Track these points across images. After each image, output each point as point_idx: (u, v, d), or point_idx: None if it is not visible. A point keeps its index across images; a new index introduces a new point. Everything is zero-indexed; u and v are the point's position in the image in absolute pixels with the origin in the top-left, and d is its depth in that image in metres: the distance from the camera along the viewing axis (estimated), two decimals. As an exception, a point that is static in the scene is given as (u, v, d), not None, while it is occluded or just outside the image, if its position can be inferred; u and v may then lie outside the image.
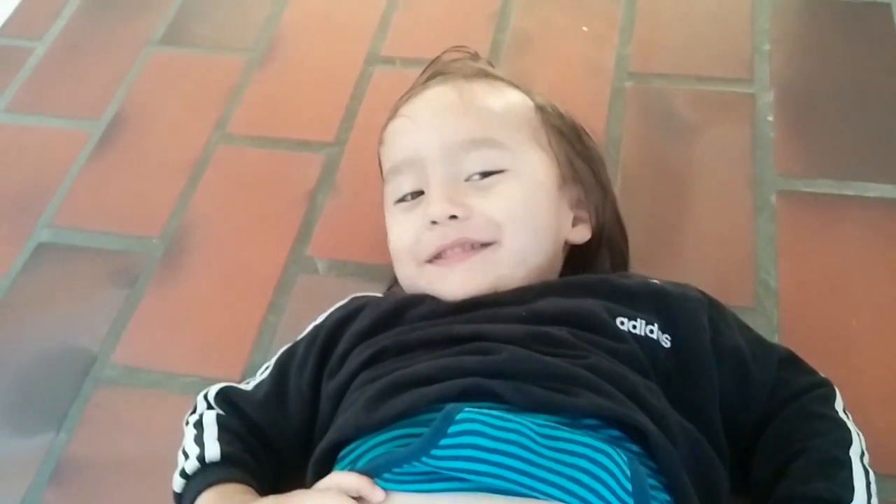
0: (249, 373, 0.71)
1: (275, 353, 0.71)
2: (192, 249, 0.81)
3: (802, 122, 0.83)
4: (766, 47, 0.89)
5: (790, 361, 0.58)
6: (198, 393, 0.70)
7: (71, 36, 1.06)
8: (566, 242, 0.64)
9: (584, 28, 0.95)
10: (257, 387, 0.62)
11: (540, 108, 0.66)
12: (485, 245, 0.58)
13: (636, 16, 0.95)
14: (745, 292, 0.71)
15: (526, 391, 0.48)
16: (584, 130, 0.69)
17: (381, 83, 0.93)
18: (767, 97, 0.85)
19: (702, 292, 0.59)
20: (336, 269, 0.78)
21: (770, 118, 0.83)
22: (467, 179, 0.60)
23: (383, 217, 0.72)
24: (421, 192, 0.61)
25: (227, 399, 0.60)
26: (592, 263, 0.66)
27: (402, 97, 0.69)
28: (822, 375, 0.57)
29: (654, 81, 0.89)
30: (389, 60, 0.96)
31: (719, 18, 0.93)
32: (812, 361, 0.65)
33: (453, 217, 0.58)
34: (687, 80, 0.88)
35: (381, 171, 0.69)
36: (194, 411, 0.60)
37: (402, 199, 0.63)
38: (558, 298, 0.56)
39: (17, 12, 1.10)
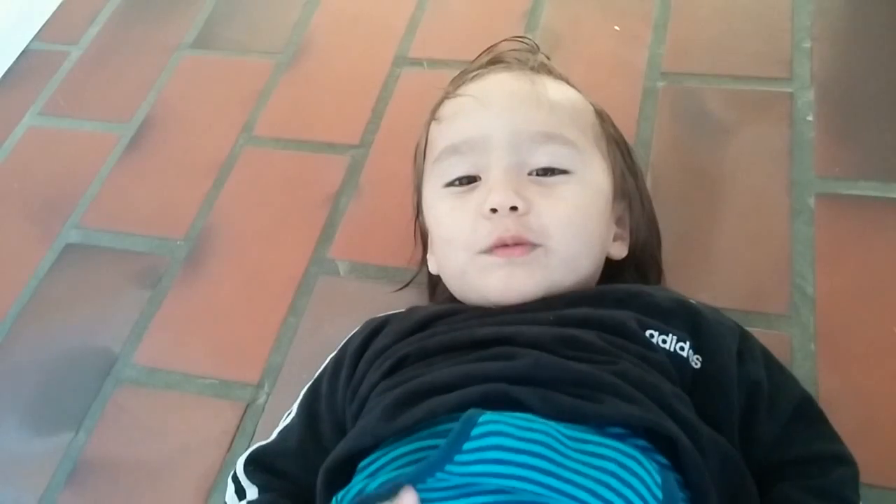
0: (267, 375, 0.71)
1: (293, 355, 0.72)
2: (215, 251, 0.81)
3: (844, 122, 0.79)
4: (807, 44, 0.86)
5: (814, 416, 0.53)
6: (213, 395, 0.70)
7: (105, 41, 1.07)
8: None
9: (616, 27, 0.93)
10: (284, 434, 0.57)
11: (599, 114, 0.64)
12: (536, 246, 0.55)
13: (670, 14, 0.92)
14: (780, 299, 0.68)
15: (550, 399, 0.45)
16: (630, 145, 0.67)
17: (408, 85, 0.92)
18: (807, 96, 0.81)
19: (734, 322, 0.56)
20: (357, 271, 0.77)
21: (810, 118, 0.80)
22: (529, 173, 0.56)
23: (405, 220, 0.71)
24: (474, 179, 0.58)
25: (259, 464, 0.56)
26: (620, 277, 0.64)
27: (459, 77, 0.65)
28: (845, 445, 0.53)
29: (688, 81, 0.86)
30: (417, 62, 0.94)
31: (758, 15, 0.90)
32: (850, 371, 0.63)
33: (513, 209, 0.54)
34: (722, 79, 0.85)
35: (424, 150, 0.64)
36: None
37: (451, 183, 0.59)
38: (589, 308, 0.53)
39: (54, 18, 1.12)
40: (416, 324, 0.55)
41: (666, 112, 0.83)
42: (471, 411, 0.42)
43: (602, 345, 0.49)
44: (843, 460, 0.51)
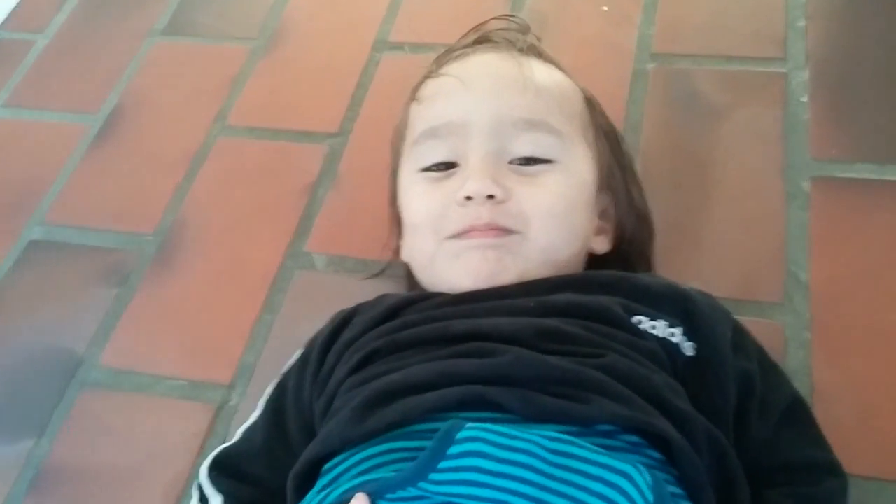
0: (240, 375, 0.68)
1: (267, 353, 0.68)
2: (186, 246, 0.78)
3: (839, 103, 0.76)
4: (801, 23, 0.82)
5: (805, 420, 0.51)
6: (183, 397, 0.67)
7: (73, 28, 1.03)
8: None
9: (605, 7, 0.90)
10: (249, 434, 0.55)
11: (589, 102, 0.61)
12: (512, 232, 0.52)
13: (659, -8, 0.89)
14: (774, 286, 0.65)
15: (532, 400, 0.42)
16: (621, 134, 0.64)
17: (389, 70, 0.89)
18: (802, 76, 0.78)
19: (728, 311, 0.53)
20: (335, 265, 0.74)
21: (804, 99, 0.76)
22: (510, 161, 0.54)
23: (386, 211, 0.68)
24: (452, 165, 0.55)
25: (224, 469, 0.53)
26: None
27: (443, 55, 0.62)
28: (835, 455, 0.50)
29: (679, 62, 0.82)
30: (398, 46, 0.91)
31: (750, -7, 0.87)
32: (847, 360, 0.61)
33: (490, 197, 0.52)
34: (714, 60, 0.82)
35: (403, 131, 0.62)
36: None
37: (428, 168, 0.56)
38: (573, 294, 0.50)
39: (20, 5, 1.08)
40: (386, 311, 0.53)
41: (656, 94, 0.80)
42: (449, 425, 0.39)
43: (586, 336, 0.47)
44: (834, 471, 0.49)
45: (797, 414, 0.51)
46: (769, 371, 0.52)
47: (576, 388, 0.43)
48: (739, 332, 0.52)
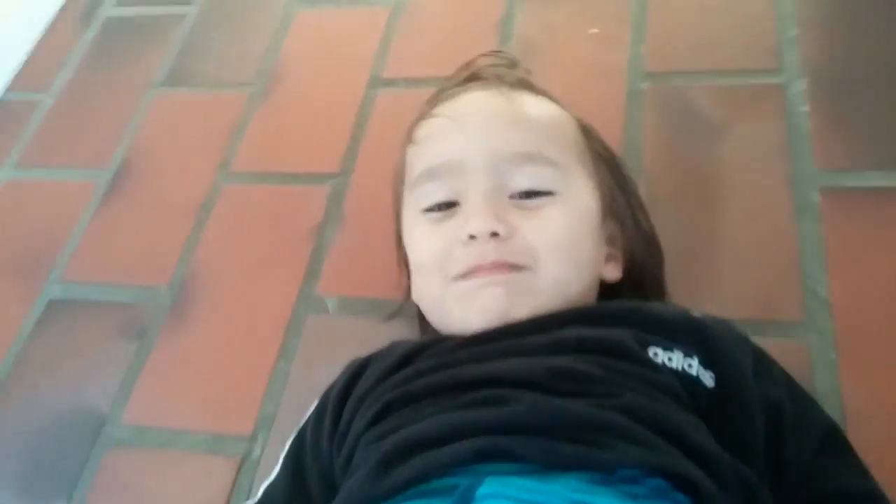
0: (261, 425, 0.68)
1: (286, 401, 0.69)
2: (200, 296, 0.78)
3: (841, 110, 0.76)
4: (793, 32, 0.83)
5: (843, 447, 0.50)
6: (206, 451, 0.67)
7: (77, 85, 1.04)
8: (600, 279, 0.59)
9: (594, 30, 0.90)
10: (269, 491, 0.55)
11: (584, 130, 0.61)
12: (522, 268, 0.52)
13: (647, 11, 0.89)
14: (793, 305, 0.64)
15: (551, 449, 0.41)
16: (621, 160, 0.64)
17: (385, 107, 0.89)
18: (799, 86, 0.78)
19: (746, 335, 0.52)
20: (347, 307, 0.74)
21: (804, 108, 0.76)
22: (510, 197, 0.54)
23: (393, 248, 0.68)
24: (453, 204, 0.55)
25: None
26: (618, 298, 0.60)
27: (435, 96, 0.63)
28: (876, 482, 0.49)
29: (673, 80, 0.83)
30: (392, 82, 0.92)
31: (738, 5, 0.87)
32: (875, 378, 0.60)
33: (494, 234, 0.52)
34: (708, 75, 0.82)
35: (402, 174, 0.62)
36: None
37: (430, 209, 0.57)
38: (585, 328, 0.50)
39: (26, 67, 1.09)
40: (399, 360, 0.52)
41: (653, 114, 0.80)
42: (468, 483, 0.39)
43: (601, 374, 0.46)
44: (879, 500, 0.48)
45: (835, 442, 0.50)
46: (799, 398, 0.50)
47: (595, 432, 0.42)
48: (762, 359, 0.51)
